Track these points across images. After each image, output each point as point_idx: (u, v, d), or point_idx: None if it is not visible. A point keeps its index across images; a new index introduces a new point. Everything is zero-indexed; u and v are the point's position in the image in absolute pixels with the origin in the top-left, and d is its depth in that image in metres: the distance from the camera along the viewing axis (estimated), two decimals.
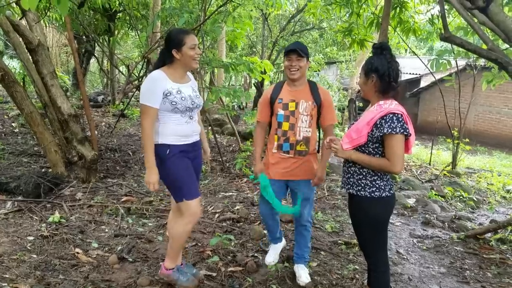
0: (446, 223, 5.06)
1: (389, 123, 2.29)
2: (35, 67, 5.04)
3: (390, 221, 2.54)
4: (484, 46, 3.71)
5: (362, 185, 2.45)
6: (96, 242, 3.71)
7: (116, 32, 11.74)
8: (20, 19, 5.35)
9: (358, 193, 2.46)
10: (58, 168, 5.17)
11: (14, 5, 5.08)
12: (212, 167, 6.56)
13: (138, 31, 8.80)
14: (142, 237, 3.89)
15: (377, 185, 2.42)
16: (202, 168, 6.25)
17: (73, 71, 12.74)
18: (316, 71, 15.53)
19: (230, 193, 5.46)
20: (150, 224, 4.22)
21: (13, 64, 13.51)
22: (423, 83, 18.73)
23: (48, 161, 5.31)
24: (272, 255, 3.57)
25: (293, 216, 3.50)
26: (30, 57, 5.09)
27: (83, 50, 11.85)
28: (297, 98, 3.13)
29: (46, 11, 7.19)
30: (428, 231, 4.79)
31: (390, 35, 7.29)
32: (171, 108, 2.73)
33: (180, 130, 2.80)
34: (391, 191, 2.46)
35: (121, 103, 11.47)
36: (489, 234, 4.59)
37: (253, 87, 16.96)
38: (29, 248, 3.47)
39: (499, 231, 4.63)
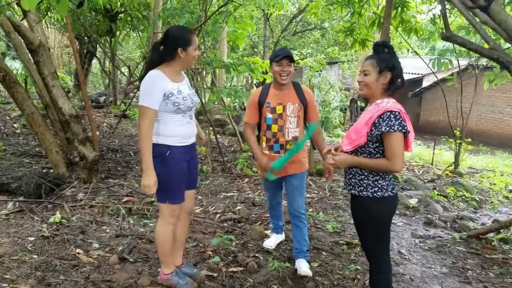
0: (448, 223, 5.04)
1: (386, 121, 2.28)
2: (36, 67, 5.04)
3: (392, 221, 2.52)
4: (486, 46, 3.69)
5: (364, 185, 2.43)
6: (97, 243, 3.70)
7: (117, 33, 11.75)
8: (22, 20, 5.35)
9: (360, 193, 2.45)
10: (59, 169, 5.17)
11: (15, 6, 5.09)
12: (213, 168, 6.55)
13: (140, 32, 8.80)
14: (143, 237, 3.89)
15: (379, 185, 2.41)
16: (203, 168, 6.29)
17: (75, 72, 12.73)
18: (318, 71, 15.52)
19: (231, 194, 5.45)
20: (151, 224, 4.21)
21: (15, 65, 13.51)
22: (425, 83, 18.70)
23: (50, 162, 5.31)
24: (272, 241, 3.86)
25: (287, 210, 3.61)
26: (31, 57, 5.09)
27: (84, 51, 11.85)
28: (284, 101, 3.28)
29: (47, 12, 7.19)
30: (430, 231, 4.77)
31: (392, 35, 7.27)
32: (174, 109, 2.68)
33: (182, 131, 2.77)
34: (393, 191, 2.44)
35: (122, 103, 11.49)
36: (491, 234, 4.56)
37: (255, 88, 16.96)
38: (30, 248, 3.47)
39: (501, 231, 4.61)
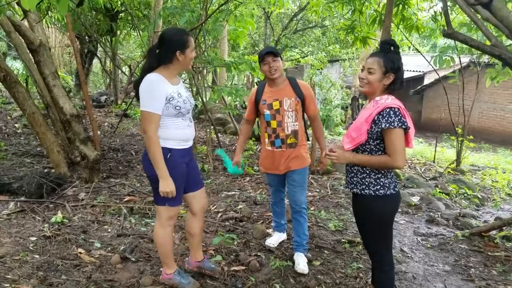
0: (450, 221, 5.03)
1: (386, 118, 2.27)
2: (37, 67, 5.04)
3: (394, 219, 2.52)
4: (488, 42, 3.68)
5: (366, 183, 2.42)
6: (98, 242, 3.70)
7: (118, 32, 11.74)
8: (22, 19, 5.34)
9: (362, 191, 2.44)
10: (61, 168, 5.16)
11: (16, 5, 5.09)
12: (215, 167, 6.54)
13: (140, 31, 8.79)
14: (145, 236, 3.88)
15: (381, 183, 2.40)
16: (204, 167, 6.28)
17: (76, 72, 12.73)
18: (319, 70, 15.48)
19: (233, 192, 5.45)
20: (152, 223, 4.21)
21: (16, 65, 13.52)
22: (426, 81, 18.68)
23: (51, 162, 5.31)
24: (274, 240, 3.86)
25: (289, 203, 3.65)
26: (32, 57, 5.09)
27: (85, 51, 11.84)
28: (280, 97, 3.35)
29: (48, 11, 7.18)
30: (433, 229, 4.76)
31: (393, 32, 7.25)
32: (175, 112, 2.66)
33: (182, 134, 2.75)
34: (395, 189, 2.43)
35: (123, 103, 11.48)
36: (494, 232, 4.55)
37: (256, 86, 16.93)
38: (31, 248, 3.47)
39: (504, 228, 4.59)
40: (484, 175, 8.17)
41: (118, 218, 4.31)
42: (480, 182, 7.48)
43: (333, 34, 17.37)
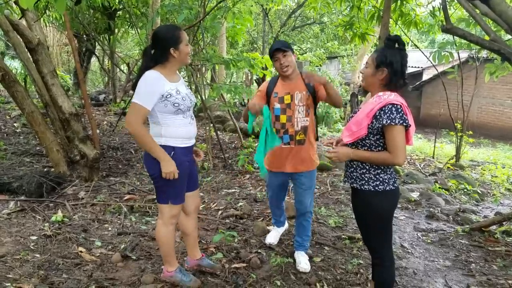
0: (450, 216, 5.03)
1: (388, 114, 2.26)
2: (35, 66, 5.03)
3: (394, 215, 2.53)
4: (487, 37, 3.68)
5: (366, 179, 2.42)
6: (99, 241, 3.70)
7: (116, 31, 11.71)
8: (20, 18, 5.33)
9: (362, 187, 2.44)
10: (60, 167, 5.16)
11: (13, 4, 5.07)
12: (215, 164, 6.54)
13: (138, 29, 8.77)
14: (146, 235, 3.89)
15: (380, 179, 2.40)
16: (204, 165, 6.28)
17: (74, 70, 12.71)
18: (317, 66, 15.49)
19: (233, 190, 5.45)
20: (153, 222, 4.21)
21: (15, 65, 13.50)
22: (425, 76, 18.66)
23: (50, 161, 5.31)
24: (273, 236, 3.81)
25: (294, 206, 3.63)
26: (30, 56, 5.08)
27: (83, 49, 11.83)
28: (291, 90, 3.22)
29: (45, 10, 7.16)
30: (433, 225, 4.76)
31: (392, 28, 7.24)
32: (174, 110, 2.64)
33: (185, 132, 2.74)
34: (395, 185, 2.43)
35: (122, 101, 11.47)
36: (494, 227, 4.56)
37: (255, 83, 16.93)
38: (32, 247, 3.47)
39: (504, 223, 4.60)
40: (484, 170, 8.18)
41: (119, 216, 4.31)
42: (479, 177, 7.49)
43: (331, 30, 17.34)
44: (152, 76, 2.60)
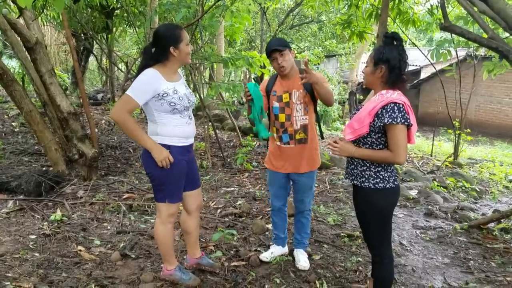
0: (449, 214, 5.05)
1: (390, 113, 2.27)
2: (33, 65, 5.02)
3: (393, 212, 2.55)
4: (485, 35, 3.68)
5: (366, 176, 2.43)
6: (98, 240, 3.70)
7: (114, 29, 11.69)
8: (18, 17, 5.31)
9: (362, 184, 2.45)
10: (59, 167, 5.16)
11: (11, 3, 5.06)
12: (213, 163, 6.55)
13: (136, 28, 8.74)
14: (145, 233, 3.89)
15: (381, 176, 2.41)
16: (203, 164, 6.28)
17: (72, 70, 12.67)
18: (315, 65, 15.48)
19: (232, 188, 5.45)
20: (152, 220, 4.21)
21: (12, 64, 13.47)
22: (423, 75, 18.69)
23: (49, 160, 5.30)
24: (269, 254, 3.51)
25: (293, 204, 3.54)
26: (28, 55, 5.06)
27: (81, 48, 11.79)
28: (289, 89, 3.17)
29: (43, 9, 7.15)
30: (431, 222, 4.77)
31: (390, 27, 7.25)
32: (170, 109, 2.64)
33: (182, 131, 2.74)
34: (395, 182, 2.44)
35: None
36: (492, 224, 4.58)
37: (253, 82, 16.89)
38: (31, 246, 3.47)
39: (502, 220, 4.61)
40: (482, 168, 8.20)
41: (117, 215, 4.31)
42: (477, 175, 7.51)
43: (329, 29, 17.33)
44: (149, 74, 2.61)
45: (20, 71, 11.04)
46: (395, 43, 2.38)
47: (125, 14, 10.21)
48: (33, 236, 3.65)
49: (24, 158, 5.89)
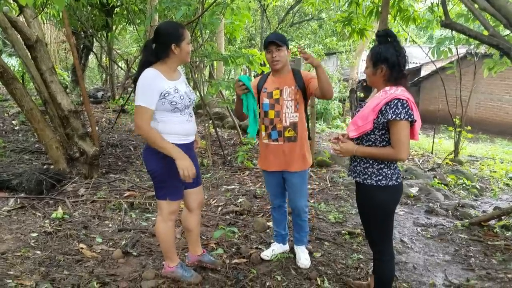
0: (449, 211, 5.05)
1: (393, 109, 2.27)
2: (34, 63, 5.02)
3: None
4: (485, 32, 3.68)
5: (369, 173, 2.44)
6: (100, 237, 3.71)
7: (114, 27, 11.68)
8: (18, 15, 5.31)
9: (365, 181, 2.45)
10: (60, 165, 5.16)
11: (11, 1, 5.05)
12: (214, 161, 6.55)
13: (136, 26, 8.74)
14: (146, 231, 3.89)
15: (383, 174, 2.41)
16: (204, 162, 6.29)
17: (72, 68, 12.68)
18: None
19: (233, 186, 5.46)
20: (153, 218, 4.22)
21: (12, 62, 13.47)
22: (423, 72, 18.69)
23: (50, 158, 5.30)
24: (269, 252, 3.52)
25: (289, 207, 3.48)
26: (28, 53, 5.06)
27: (81, 46, 11.79)
28: (280, 85, 3.15)
29: (44, 7, 7.14)
30: (432, 220, 4.78)
31: (390, 24, 7.24)
32: (171, 108, 2.64)
33: (182, 129, 2.74)
34: (398, 180, 2.45)
35: (121, 98, 11.46)
36: (493, 221, 4.58)
37: (253, 79, 16.89)
38: (33, 244, 3.47)
39: (503, 218, 4.62)
40: (482, 165, 8.20)
41: (119, 213, 4.31)
42: (478, 173, 7.51)
43: (329, 26, 17.32)
44: (149, 76, 2.59)
45: (20, 69, 11.05)
46: (389, 39, 2.38)
47: (125, 12, 10.21)
48: (35, 234, 3.65)
49: (25, 156, 5.90)
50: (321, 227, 4.25)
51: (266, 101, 3.17)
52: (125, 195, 4.78)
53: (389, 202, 2.46)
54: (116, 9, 10.92)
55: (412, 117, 2.27)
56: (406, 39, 10.35)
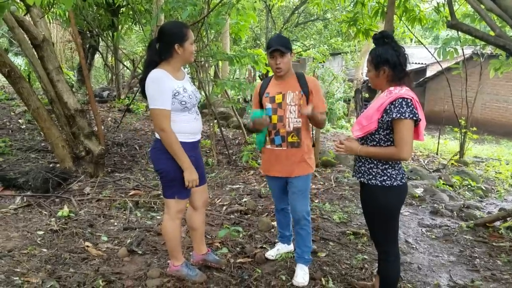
0: (454, 212, 5.04)
1: (398, 108, 2.27)
2: (40, 62, 5.05)
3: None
4: (492, 33, 3.67)
5: (373, 173, 2.44)
6: (105, 236, 3.73)
7: (120, 27, 11.72)
8: (25, 15, 5.35)
9: (369, 182, 2.45)
10: (66, 163, 5.19)
11: (18, 0, 5.08)
12: (219, 160, 6.56)
13: (142, 26, 8.77)
14: (151, 230, 3.91)
15: (388, 174, 2.41)
16: (208, 161, 6.30)
17: (78, 67, 12.73)
18: (321, 63, 15.45)
19: (237, 186, 5.47)
20: (158, 217, 4.24)
21: (18, 61, 13.54)
22: (429, 73, 18.62)
23: (56, 156, 5.33)
24: (274, 252, 3.51)
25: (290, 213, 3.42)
26: (35, 53, 5.09)
27: (87, 46, 11.84)
28: (283, 90, 3.07)
29: (50, 6, 7.18)
30: (437, 220, 4.77)
31: (396, 25, 7.23)
32: (181, 107, 2.66)
33: (190, 127, 2.76)
34: (402, 180, 2.45)
35: (126, 97, 11.49)
36: (498, 223, 4.56)
37: (258, 80, 16.93)
38: (39, 242, 3.50)
39: (508, 219, 4.59)
40: (488, 166, 8.17)
41: (124, 212, 4.33)
42: (483, 174, 7.48)
43: (335, 27, 17.31)
44: (158, 77, 2.61)
45: (25, 68, 11.10)
46: (386, 41, 2.38)
47: (131, 12, 10.24)
48: (41, 232, 3.68)
49: (31, 155, 5.93)
50: (326, 227, 4.26)
51: (268, 105, 3.10)
52: (130, 194, 4.80)
53: (394, 202, 2.46)
54: (122, 9, 10.96)
55: (416, 115, 2.27)
56: (411, 39, 10.33)
